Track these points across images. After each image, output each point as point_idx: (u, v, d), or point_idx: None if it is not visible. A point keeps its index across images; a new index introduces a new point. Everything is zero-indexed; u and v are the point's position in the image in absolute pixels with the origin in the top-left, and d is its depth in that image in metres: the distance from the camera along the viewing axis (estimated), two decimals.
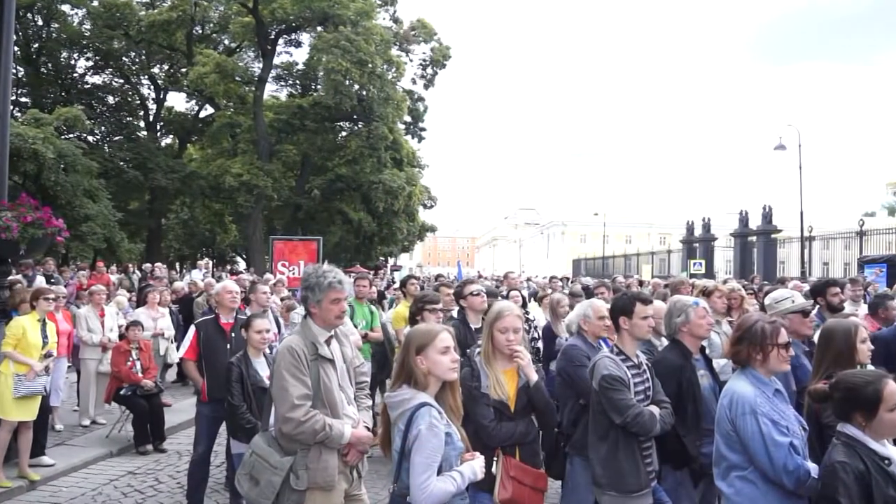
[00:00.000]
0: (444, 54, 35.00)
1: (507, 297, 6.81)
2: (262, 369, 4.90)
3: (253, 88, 32.76)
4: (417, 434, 2.61)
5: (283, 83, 37.67)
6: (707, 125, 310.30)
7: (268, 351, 5.13)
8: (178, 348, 7.87)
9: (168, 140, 39.12)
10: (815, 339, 4.06)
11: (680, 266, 29.53)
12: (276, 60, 34.94)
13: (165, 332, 9.59)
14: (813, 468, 2.84)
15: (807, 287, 8.53)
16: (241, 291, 9.17)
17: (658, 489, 3.76)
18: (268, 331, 5.07)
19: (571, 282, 15.42)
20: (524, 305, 7.81)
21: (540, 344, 6.53)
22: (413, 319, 5.11)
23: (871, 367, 3.46)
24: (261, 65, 33.76)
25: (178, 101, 63.50)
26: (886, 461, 2.54)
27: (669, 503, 3.77)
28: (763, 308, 4.90)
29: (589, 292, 8.61)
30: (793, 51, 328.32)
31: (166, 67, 36.69)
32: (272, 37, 32.72)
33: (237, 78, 32.75)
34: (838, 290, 6.16)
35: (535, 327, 6.81)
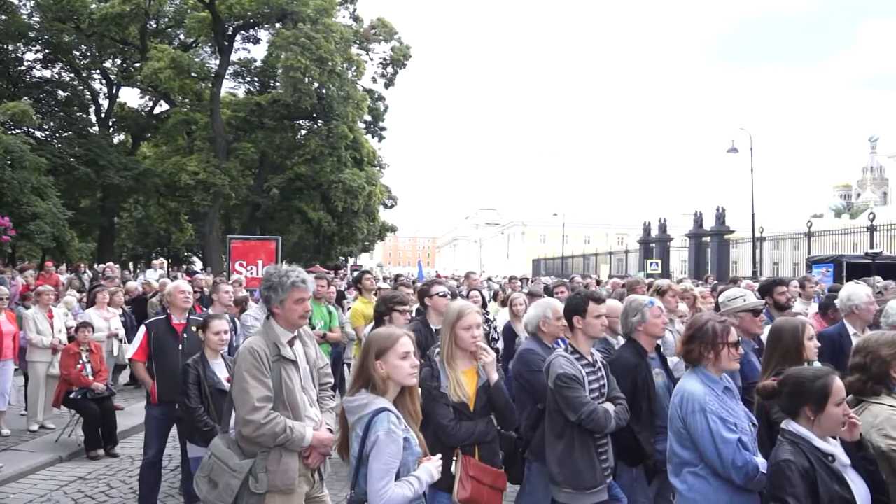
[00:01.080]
0: (404, 54, 34.94)
1: (466, 297, 6.84)
2: (220, 371, 4.83)
3: (210, 85, 32.16)
4: (376, 440, 2.60)
5: (240, 80, 37.11)
6: (665, 128, 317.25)
7: (226, 352, 5.05)
8: None
9: (121, 137, 38.09)
10: (764, 337, 4.19)
11: (637, 266, 30.08)
12: (234, 57, 34.40)
13: (119, 334, 9.36)
14: (762, 463, 2.93)
15: (757, 286, 8.78)
16: (197, 291, 9.04)
17: (613, 486, 3.83)
18: (226, 332, 4.99)
19: (531, 282, 15.55)
20: (484, 305, 7.85)
21: (500, 344, 6.57)
22: (380, 320, 4.96)
23: (817, 364, 3.60)
24: (218, 61, 33.17)
25: (131, 97, 62.00)
26: (830, 457, 2.62)
27: (625, 499, 3.85)
28: (717, 308, 5.03)
29: (549, 292, 8.71)
30: (748, 56, 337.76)
31: (119, 62, 35.71)
32: (229, 33, 32.19)
33: (193, 74, 32.09)
34: (785, 289, 6.36)
35: (495, 327, 6.86)
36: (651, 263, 27.03)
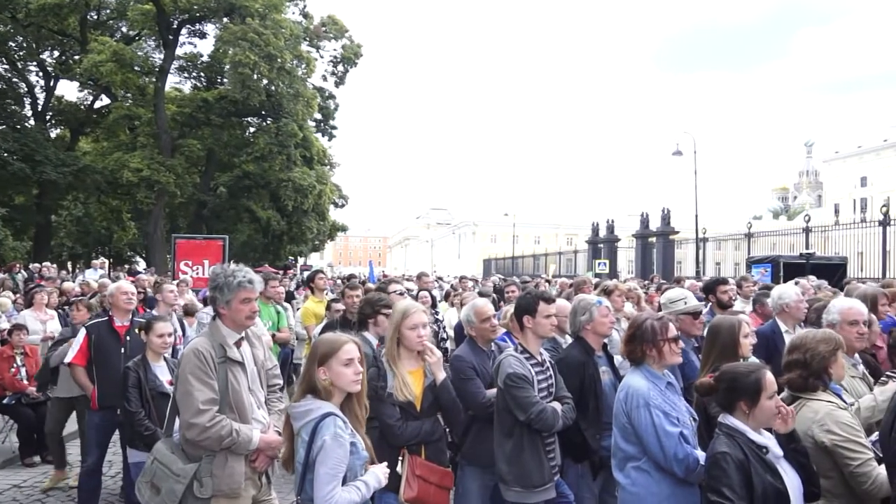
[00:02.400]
0: (355, 52, 34.71)
1: (416, 298, 6.84)
2: (163, 374, 4.70)
3: (153, 79, 31.27)
4: (322, 444, 2.58)
5: (186, 75, 36.15)
6: (613, 130, 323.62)
7: (168, 355, 4.91)
8: None
9: (58, 131, 36.65)
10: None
11: (586, 266, 30.59)
12: (179, 51, 33.51)
13: (56, 336, 9.00)
14: (701, 456, 3.04)
15: (701, 285, 9.05)
16: (141, 292, 8.79)
17: (561, 483, 3.88)
18: (170, 335, 4.86)
19: (482, 282, 15.65)
20: (434, 306, 7.87)
21: (449, 344, 6.60)
22: (364, 322, 4.75)
23: (753, 360, 3.74)
24: (162, 55, 32.24)
25: (69, 91, 59.72)
26: (764, 449, 2.73)
27: (571, 496, 3.91)
28: (660, 308, 5.16)
29: (499, 291, 8.80)
30: (692, 62, 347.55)
31: (57, 54, 34.35)
32: (174, 26, 31.35)
33: (136, 68, 31.16)
34: (727, 288, 6.58)
35: (444, 328, 6.88)
36: (599, 263, 27.50)
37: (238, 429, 3.15)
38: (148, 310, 7.47)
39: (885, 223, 15.53)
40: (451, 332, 7.65)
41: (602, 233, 31.76)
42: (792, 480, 2.73)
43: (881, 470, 2.82)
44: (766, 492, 2.61)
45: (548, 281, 14.57)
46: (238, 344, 3.35)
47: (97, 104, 35.53)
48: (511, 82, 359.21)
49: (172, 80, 34.63)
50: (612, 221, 31.35)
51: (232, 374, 3.25)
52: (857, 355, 3.94)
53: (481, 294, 8.06)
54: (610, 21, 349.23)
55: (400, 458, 3.42)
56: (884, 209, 15.91)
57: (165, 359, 4.83)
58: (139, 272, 21.68)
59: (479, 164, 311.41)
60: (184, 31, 32.56)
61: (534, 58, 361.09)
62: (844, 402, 3.24)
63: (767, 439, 2.78)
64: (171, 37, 31.11)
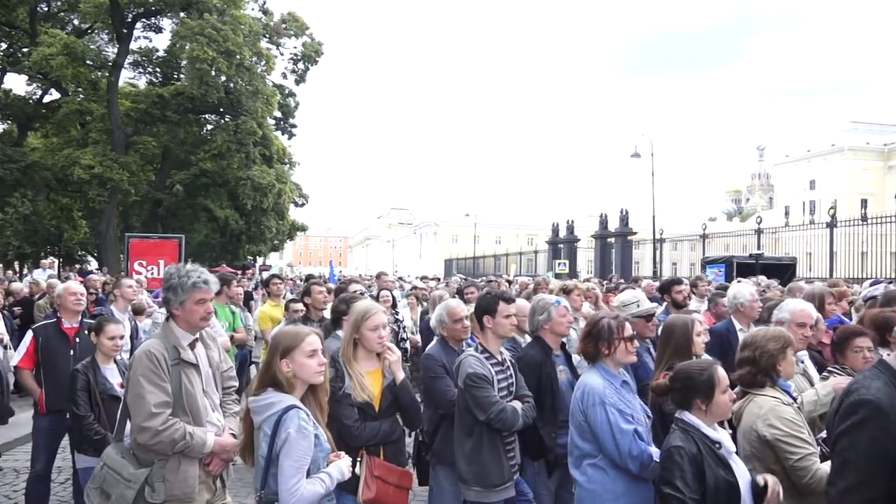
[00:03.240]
0: (315, 50, 34.34)
1: (377, 298, 6.82)
2: (113, 376, 4.57)
3: (107, 74, 30.35)
4: (286, 437, 2.58)
5: (141, 70, 35.18)
6: (574, 133, 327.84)
7: (119, 357, 4.78)
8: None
9: (5, 126, 35.33)
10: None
11: (546, 266, 30.89)
12: (134, 45, 32.60)
13: (4, 339, 8.67)
14: (655, 452, 3.11)
15: (657, 285, 9.22)
16: (92, 292, 8.55)
17: (520, 481, 3.91)
18: (121, 337, 4.72)
19: (445, 283, 15.67)
20: (394, 306, 7.86)
21: (408, 344, 6.60)
22: (338, 321, 4.61)
23: (706, 357, 3.83)
24: (116, 49, 31.32)
25: (17, 84, 57.66)
26: (717, 444, 2.81)
27: (530, 494, 3.95)
28: None
29: (460, 292, 8.80)
30: (652, 65, 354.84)
31: (4, 46, 33.08)
32: (129, 20, 30.49)
33: (88, 62, 30.18)
34: (681, 288, 6.72)
35: (404, 327, 6.88)
36: (559, 263, 27.81)
37: (192, 432, 3.09)
38: (98, 309, 7.26)
39: (832, 225, 16.08)
40: (410, 334, 7.66)
41: (562, 233, 32.12)
42: (743, 475, 2.82)
43: (821, 465, 2.92)
44: (718, 485, 2.68)
45: (508, 281, 14.66)
46: (192, 345, 3.29)
47: (47, 98, 34.29)
48: (473, 83, 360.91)
49: (126, 75, 33.74)
50: (572, 222, 31.75)
51: (186, 376, 3.18)
52: (803, 351, 4.08)
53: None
54: (572, 25, 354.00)
55: (358, 458, 3.40)
56: (831, 212, 16.47)
57: (116, 361, 4.70)
58: (90, 272, 21.09)
59: (441, 165, 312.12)
60: (139, 24, 31.70)
61: (496, 60, 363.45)
62: (792, 398, 3.35)
63: (721, 435, 2.87)
64: (125, 30, 30.25)
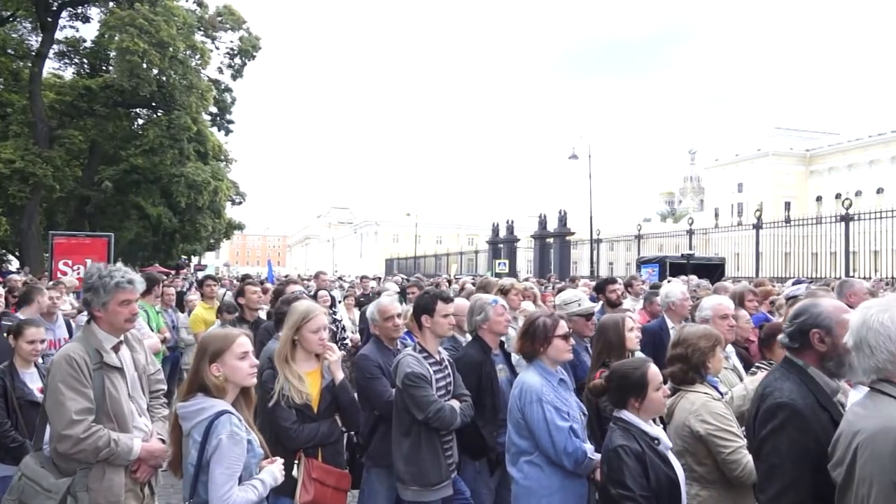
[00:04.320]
0: (253, 44, 33.56)
1: (315, 298, 6.72)
2: (32, 381, 4.33)
3: (29, 64, 28.89)
4: (218, 443, 2.51)
5: (67, 61, 33.62)
6: (515, 134, 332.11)
7: (40, 361, 4.54)
8: None
9: None
10: None
11: (486, 265, 31.16)
12: (59, 35, 31.06)
13: None
14: (590, 449, 3.17)
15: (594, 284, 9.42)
16: (14, 294, 8.09)
17: (458, 480, 3.91)
18: (42, 341, 4.49)
19: (383, 282, 15.59)
20: (332, 306, 7.76)
21: (349, 342, 6.53)
22: (281, 322, 4.44)
23: (640, 354, 3.93)
24: (39, 38, 29.85)
25: None
26: (656, 441, 2.88)
27: (468, 492, 3.95)
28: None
29: (402, 291, 8.76)
30: (591, 70, 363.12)
31: None
32: (54, 8, 29.08)
33: (9, 51, 28.72)
34: (616, 287, 6.88)
35: (343, 328, 6.80)
36: (499, 263, 28.09)
37: (117, 439, 2.96)
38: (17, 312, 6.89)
39: (758, 227, 16.80)
40: (351, 333, 7.59)
41: (502, 233, 32.48)
42: (679, 470, 2.89)
43: (750, 457, 3.03)
44: (660, 481, 2.75)
45: (449, 280, 14.72)
46: (116, 348, 3.15)
47: None
48: (414, 84, 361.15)
49: (51, 66, 32.15)
50: (512, 222, 32.15)
51: (109, 380, 3.04)
52: (730, 348, 4.24)
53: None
54: (513, 28, 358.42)
55: (296, 461, 3.33)
56: (757, 214, 17.20)
57: (36, 365, 4.46)
58: (11, 272, 20.03)
59: (382, 164, 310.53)
60: (65, 13, 30.28)
61: (437, 62, 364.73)
62: (720, 393, 3.46)
63: (659, 432, 2.94)
64: (49, 19, 28.81)
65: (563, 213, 26.92)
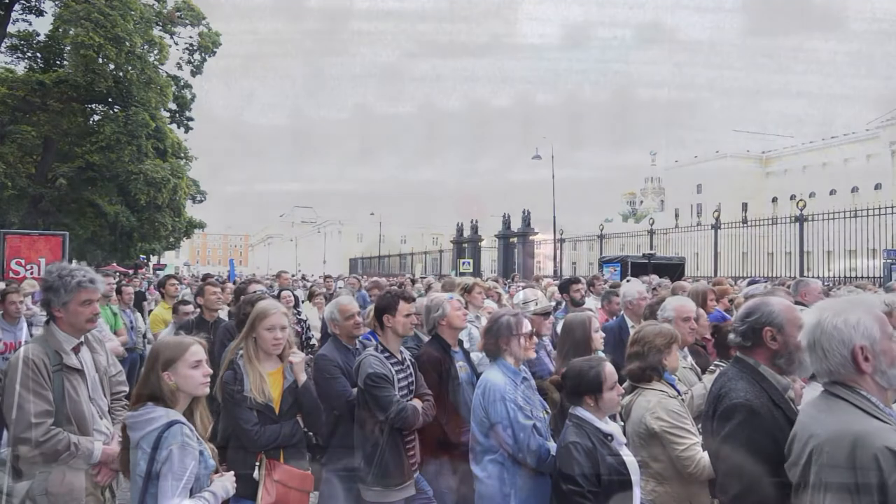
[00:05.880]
0: (213, 41, 33.02)
1: (278, 297, 6.67)
2: None
3: None
4: (169, 454, 2.45)
5: (20, 55, 32.57)
6: (478, 133, 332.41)
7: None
8: None
9: None
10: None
11: (451, 265, 31.24)
12: (11, 28, 30.11)
13: None
14: (553, 447, 3.23)
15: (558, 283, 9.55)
16: None
17: (420, 479, 3.92)
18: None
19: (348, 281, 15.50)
20: (296, 305, 7.71)
21: (315, 341, 6.50)
22: (243, 323, 4.39)
23: (600, 353, 4.02)
24: None
25: None
26: (609, 437, 2.96)
27: (431, 491, 3.97)
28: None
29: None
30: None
31: None
32: (6, 1, 28.20)
33: None
34: (579, 286, 7.00)
35: (308, 327, 6.77)
36: (463, 262, 28.20)
37: (77, 441, 2.92)
38: None
39: (716, 227, 17.22)
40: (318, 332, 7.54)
41: (466, 233, 32.59)
42: (633, 464, 2.98)
43: (703, 454, 3.12)
44: (611, 475, 2.83)
45: (412, 280, 14.73)
46: (76, 350, 3.10)
47: None
48: (378, 80, 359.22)
49: (3, 60, 31.10)
50: (476, 222, 32.29)
51: (69, 382, 3.00)
52: (686, 348, 4.35)
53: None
54: (489, 17, 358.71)
55: (257, 462, 3.31)
56: (715, 214, 17.63)
57: None
58: None
59: (345, 163, 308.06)
60: (17, 6, 29.36)
61: (401, 55, 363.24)
62: (677, 390, 3.56)
63: (613, 428, 3.01)
64: (1, 12, 27.96)
65: (526, 213, 27.17)
